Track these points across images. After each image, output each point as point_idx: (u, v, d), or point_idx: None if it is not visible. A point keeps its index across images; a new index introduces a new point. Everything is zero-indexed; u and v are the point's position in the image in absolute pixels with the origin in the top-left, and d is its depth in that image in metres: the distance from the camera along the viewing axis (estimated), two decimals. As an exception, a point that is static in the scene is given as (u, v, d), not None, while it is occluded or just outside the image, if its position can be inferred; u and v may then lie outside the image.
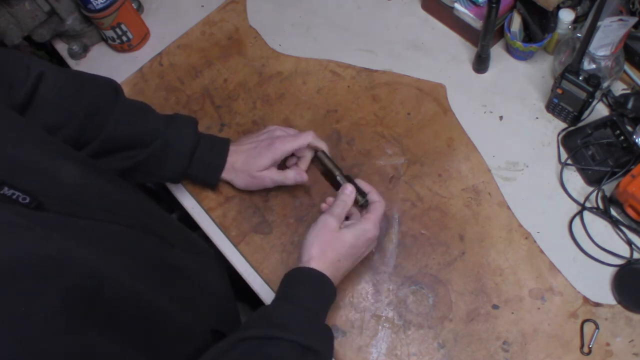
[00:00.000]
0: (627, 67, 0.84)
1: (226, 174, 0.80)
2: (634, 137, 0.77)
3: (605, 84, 0.82)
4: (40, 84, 0.67)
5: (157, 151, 0.75)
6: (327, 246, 0.68)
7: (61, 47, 1.03)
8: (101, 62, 1.01)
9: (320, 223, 0.70)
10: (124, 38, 0.98)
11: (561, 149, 0.82)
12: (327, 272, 0.67)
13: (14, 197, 0.45)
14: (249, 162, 0.78)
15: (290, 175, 0.78)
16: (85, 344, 0.44)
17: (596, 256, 0.74)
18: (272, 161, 0.77)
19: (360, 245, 0.70)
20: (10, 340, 0.38)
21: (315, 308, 0.66)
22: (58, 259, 0.44)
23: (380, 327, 0.73)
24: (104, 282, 0.47)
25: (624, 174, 0.75)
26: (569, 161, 0.80)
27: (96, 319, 0.45)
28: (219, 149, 0.79)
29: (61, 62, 1.05)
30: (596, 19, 0.68)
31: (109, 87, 0.76)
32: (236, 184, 0.81)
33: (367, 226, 0.70)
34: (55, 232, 0.46)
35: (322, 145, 0.80)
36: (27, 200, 0.46)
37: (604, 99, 0.84)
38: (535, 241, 0.76)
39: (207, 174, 0.80)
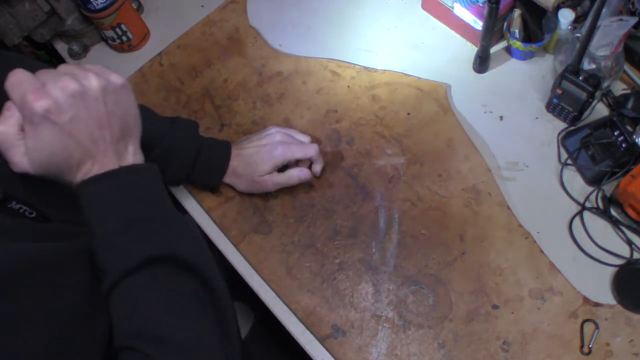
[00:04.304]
0: (627, 67, 0.84)
1: (228, 178, 0.80)
2: (634, 137, 0.77)
3: (605, 84, 0.82)
4: None
5: (159, 156, 0.74)
6: None
7: (61, 47, 1.03)
8: (101, 62, 1.00)
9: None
10: (124, 38, 0.98)
11: (561, 149, 0.82)
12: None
13: (21, 211, 0.47)
14: (250, 167, 0.77)
15: (294, 174, 0.77)
16: (100, 329, 0.48)
17: (596, 256, 0.74)
18: (274, 167, 0.77)
19: None
20: (47, 328, 0.42)
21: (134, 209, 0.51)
22: (69, 256, 0.47)
23: (380, 327, 0.73)
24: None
25: (624, 174, 0.75)
26: (569, 161, 0.80)
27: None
28: (221, 153, 0.78)
29: (61, 62, 1.05)
30: (596, 19, 0.68)
31: None
32: (238, 188, 0.81)
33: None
34: (61, 240, 0.48)
35: (318, 166, 0.80)
36: (34, 214, 0.48)
37: (604, 99, 0.84)
38: (535, 241, 0.76)
39: (209, 179, 0.79)
